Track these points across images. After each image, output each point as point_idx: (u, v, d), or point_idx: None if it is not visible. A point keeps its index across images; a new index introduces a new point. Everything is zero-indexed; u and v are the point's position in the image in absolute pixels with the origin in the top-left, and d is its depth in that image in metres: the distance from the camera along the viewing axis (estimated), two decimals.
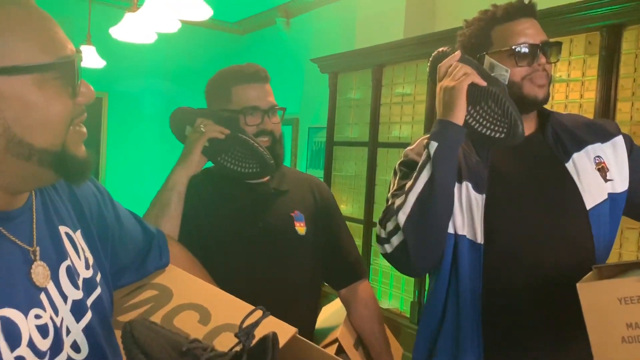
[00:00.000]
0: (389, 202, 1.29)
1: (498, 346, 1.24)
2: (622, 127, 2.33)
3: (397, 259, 1.25)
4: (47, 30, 0.68)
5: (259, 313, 0.74)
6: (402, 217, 1.19)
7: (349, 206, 3.97)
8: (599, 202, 1.26)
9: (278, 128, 1.52)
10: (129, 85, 5.75)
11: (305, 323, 1.47)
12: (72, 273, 0.75)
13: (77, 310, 0.73)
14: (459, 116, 1.19)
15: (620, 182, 1.29)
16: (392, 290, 3.60)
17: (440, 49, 1.31)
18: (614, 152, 1.31)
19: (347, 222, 3.97)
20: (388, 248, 1.24)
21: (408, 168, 1.31)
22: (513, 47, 1.24)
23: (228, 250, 1.39)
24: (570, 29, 2.55)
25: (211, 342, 0.82)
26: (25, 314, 0.66)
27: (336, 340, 1.46)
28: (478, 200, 1.25)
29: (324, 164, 4.23)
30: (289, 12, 5.43)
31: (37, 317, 0.67)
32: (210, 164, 1.46)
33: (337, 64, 4.06)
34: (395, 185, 1.32)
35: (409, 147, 1.40)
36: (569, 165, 1.28)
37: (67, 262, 0.75)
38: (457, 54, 1.24)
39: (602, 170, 1.28)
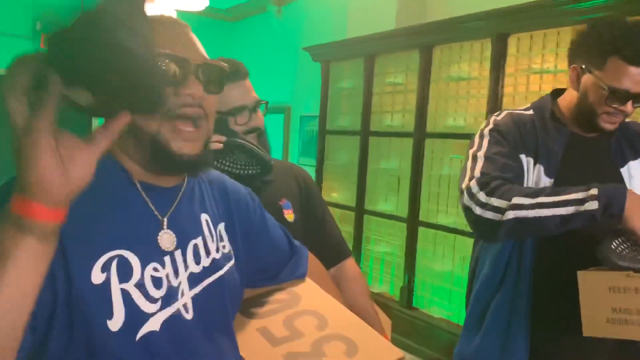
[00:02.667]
0: (486, 165, 1.37)
1: (546, 310, 1.39)
2: None
3: (480, 224, 1.33)
4: (164, 35, 0.82)
5: None
6: (513, 214, 1.26)
7: (341, 194, 4.03)
8: None
9: (262, 121, 1.55)
10: None
11: None
12: (198, 250, 0.88)
13: (192, 280, 0.85)
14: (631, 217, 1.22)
15: None
16: (382, 275, 3.69)
17: None
18: None
19: (339, 210, 4.07)
20: (478, 210, 1.32)
21: (502, 136, 1.41)
22: (612, 88, 1.31)
23: None
24: (559, 21, 2.61)
25: (322, 346, 0.93)
26: (144, 263, 0.79)
27: None
28: (546, 183, 1.38)
29: (316, 152, 4.28)
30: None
31: (155, 270, 0.80)
32: None
33: (329, 53, 4.10)
34: (485, 147, 1.41)
35: (496, 117, 1.48)
36: (623, 171, 1.42)
37: (196, 241, 0.88)
38: None
39: None
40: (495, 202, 1.30)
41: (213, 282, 0.88)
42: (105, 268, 0.75)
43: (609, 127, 1.37)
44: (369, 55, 3.71)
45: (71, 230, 0.71)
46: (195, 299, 0.84)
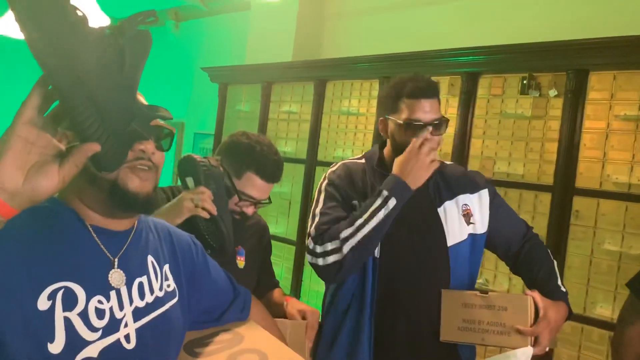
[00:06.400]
0: (320, 221, 1.56)
1: (385, 335, 1.59)
2: (474, 160, 2.75)
3: (328, 271, 1.54)
4: None
5: None
6: (347, 247, 1.49)
7: None
8: (459, 241, 1.61)
9: (255, 210, 1.67)
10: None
11: None
12: (142, 287, 0.97)
13: (136, 314, 0.94)
14: (418, 185, 1.50)
15: (480, 225, 1.65)
16: None
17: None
18: (479, 202, 1.67)
19: None
20: (321, 262, 1.53)
21: (336, 191, 1.61)
22: (407, 121, 1.55)
23: None
24: (438, 71, 2.93)
25: None
26: (89, 295, 0.87)
27: None
28: None
29: None
30: (179, 15, 5.43)
31: (100, 302, 0.89)
32: None
33: (227, 76, 4.19)
34: (321, 204, 1.62)
35: (331, 170, 1.67)
36: (440, 210, 1.62)
37: (141, 279, 0.98)
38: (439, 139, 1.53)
39: (467, 215, 1.63)
40: (329, 246, 1.51)
41: (156, 317, 0.98)
42: (52, 297, 0.83)
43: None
44: (267, 82, 3.85)
45: (22, 263, 0.81)
46: (139, 330, 0.93)
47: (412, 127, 1.53)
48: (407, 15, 3.56)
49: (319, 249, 1.53)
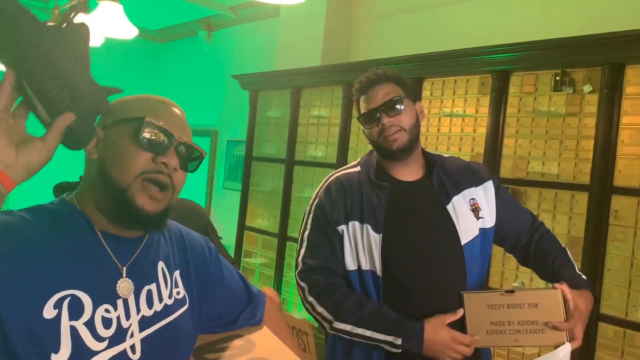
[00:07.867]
0: (305, 253, 1.54)
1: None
2: (507, 160, 2.68)
3: (308, 312, 1.53)
4: (162, 111, 0.94)
5: None
6: (332, 331, 1.48)
7: (265, 220, 4.12)
8: (472, 239, 1.53)
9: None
10: None
11: None
12: (151, 295, 0.96)
13: (143, 323, 0.93)
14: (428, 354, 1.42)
15: (489, 218, 1.57)
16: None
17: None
18: (485, 194, 1.59)
19: (263, 236, 4.12)
20: (307, 306, 1.53)
21: (323, 216, 1.54)
22: (360, 116, 1.54)
23: None
24: (468, 70, 2.88)
25: None
26: (96, 303, 0.86)
27: None
28: (376, 239, 1.48)
29: (242, 177, 4.36)
30: (211, 25, 5.51)
31: (107, 311, 0.88)
32: None
33: (258, 82, 4.22)
34: (309, 228, 1.56)
35: (324, 188, 1.59)
36: (449, 208, 1.53)
37: (150, 287, 0.96)
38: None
39: (476, 210, 1.55)
40: (322, 311, 1.49)
41: (163, 326, 0.96)
42: (58, 305, 0.82)
43: (392, 144, 1.49)
44: (296, 87, 3.86)
45: (30, 269, 0.82)
46: (144, 340, 0.91)
47: (365, 117, 1.53)
48: (434, 15, 3.51)
49: (310, 299, 1.52)
